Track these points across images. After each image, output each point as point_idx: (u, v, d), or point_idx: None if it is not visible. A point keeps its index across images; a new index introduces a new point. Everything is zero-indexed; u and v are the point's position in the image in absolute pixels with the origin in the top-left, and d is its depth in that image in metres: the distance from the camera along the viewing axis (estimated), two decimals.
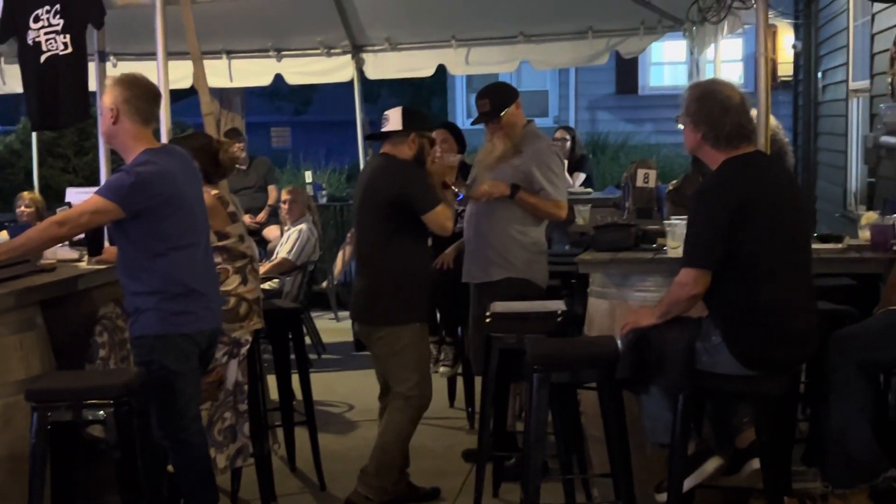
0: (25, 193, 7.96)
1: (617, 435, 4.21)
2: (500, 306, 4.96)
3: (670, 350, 3.95)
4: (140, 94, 4.14)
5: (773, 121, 5.29)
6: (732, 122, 3.98)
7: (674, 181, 6.64)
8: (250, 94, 14.10)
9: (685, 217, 4.22)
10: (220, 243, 4.66)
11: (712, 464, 4.17)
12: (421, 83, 20.98)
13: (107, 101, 4.13)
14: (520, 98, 5.39)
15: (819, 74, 11.01)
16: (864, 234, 4.95)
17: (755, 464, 4.13)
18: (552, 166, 5.32)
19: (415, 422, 4.98)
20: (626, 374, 4.06)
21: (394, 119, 4.95)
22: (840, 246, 4.92)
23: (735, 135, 3.99)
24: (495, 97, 5.34)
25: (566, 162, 9.01)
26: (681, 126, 4.14)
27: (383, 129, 4.98)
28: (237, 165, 9.18)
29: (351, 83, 9.54)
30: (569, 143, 9.39)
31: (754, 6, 5.09)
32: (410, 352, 4.91)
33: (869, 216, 5.13)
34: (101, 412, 3.98)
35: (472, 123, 5.54)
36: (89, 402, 3.97)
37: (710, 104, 4.01)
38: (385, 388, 5.06)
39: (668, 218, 5.20)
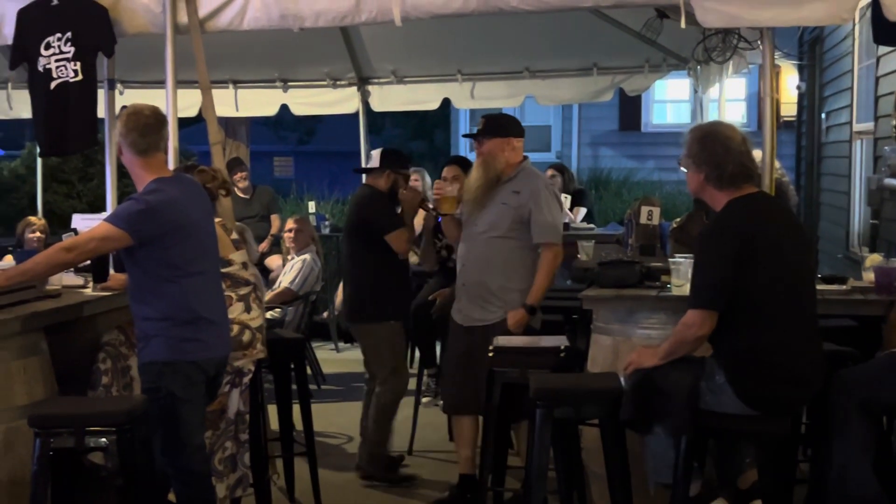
0: (34, 218, 7.95)
1: (619, 472, 4.20)
2: (503, 340, 4.96)
3: (675, 390, 3.95)
4: (133, 128, 4.18)
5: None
6: (735, 162, 4.00)
7: (677, 219, 6.65)
8: (254, 124, 14.15)
9: (689, 255, 4.23)
10: (224, 270, 4.67)
11: None
12: (425, 115, 21.09)
13: (114, 135, 4.21)
14: (520, 138, 5.37)
15: (823, 115, 11.06)
16: (868, 276, 4.96)
17: None
18: (544, 208, 5.23)
19: (396, 403, 5.91)
20: (630, 415, 4.05)
21: (375, 158, 6.05)
22: (844, 287, 4.93)
23: (738, 175, 4.01)
24: (494, 122, 5.39)
25: (568, 197, 9.15)
26: (683, 169, 4.16)
27: (365, 166, 6.29)
28: (240, 194, 9.24)
29: (356, 114, 9.58)
30: (559, 180, 9.43)
31: (760, 47, 5.12)
32: (386, 345, 5.85)
33: (873, 258, 5.14)
34: (104, 439, 3.98)
35: (463, 136, 5.64)
36: (92, 428, 3.97)
37: (712, 145, 4.04)
38: (371, 376, 5.95)
39: (672, 256, 5.21)
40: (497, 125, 5.36)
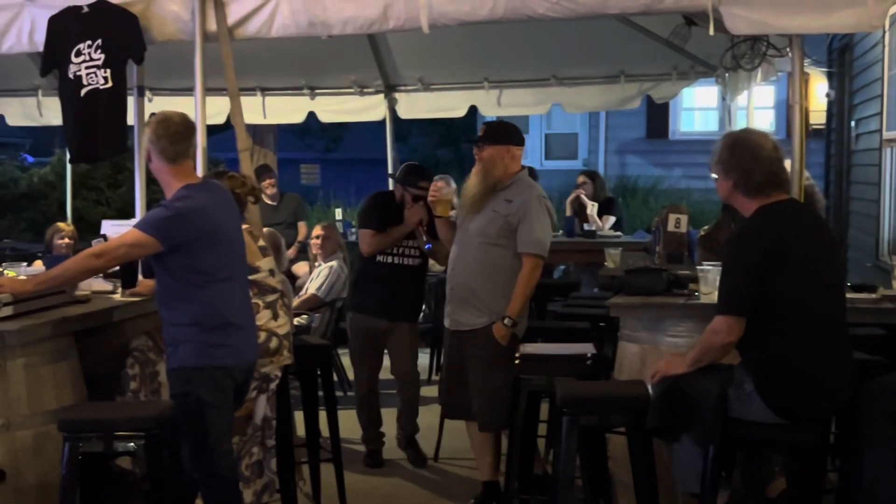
0: (63, 225, 8.00)
1: (646, 481, 4.19)
2: (529, 348, 4.95)
3: (703, 399, 3.93)
4: (163, 135, 4.21)
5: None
6: (763, 169, 3.98)
7: (705, 226, 6.61)
8: (281, 131, 14.20)
9: (717, 263, 4.21)
10: (251, 277, 4.68)
11: None
12: (451, 123, 21.07)
13: (144, 142, 4.23)
14: (520, 147, 5.37)
15: (852, 123, 10.98)
16: None
17: None
18: (534, 219, 5.21)
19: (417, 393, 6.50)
20: (657, 423, 4.04)
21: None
22: (874, 296, 4.89)
23: (766, 182, 3.99)
24: (495, 129, 5.42)
25: (595, 205, 9.13)
26: (714, 175, 4.15)
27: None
28: (267, 202, 9.28)
29: (382, 122, 9.60)
30: (590, 187, 9.42)
31: (789, 54, 5.10)
32: (352, 334, 6.49)
33: None
34: (132, 444, 4.00)
35: (463, 141, 5.62)
36: (120, 433, 4.00)
37: (741, 152, 4.03)
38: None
39: (700, 263, 5.18)
40: (498, 132, 5.38)
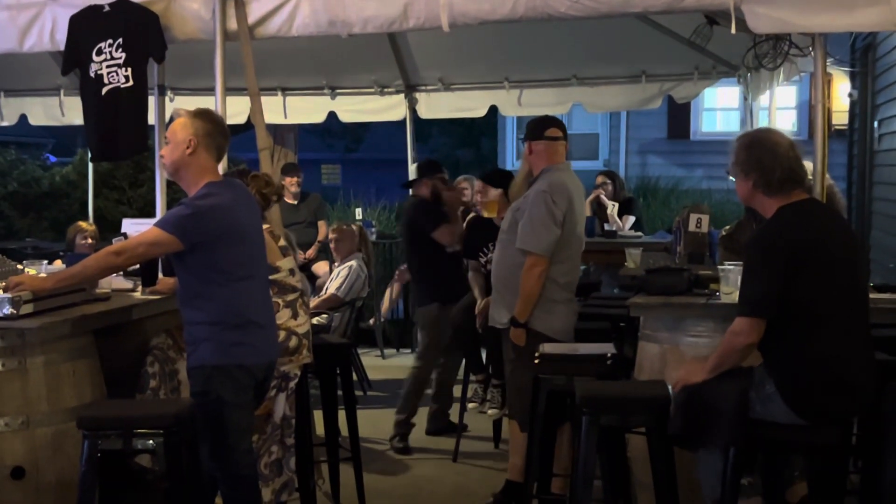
0: (84, 224, 8.03)
1: (666, 481, 4.15)
2: (549, 347, 4.94)
3: (724, 402, 3.88)
4: (218, 131, 4.25)
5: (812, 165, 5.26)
6: (782, 166, 3.95)
7: (727, 227, 6.58)
8: (302, 131, 14.22)
9: (739, 263, 4.18)
10: (271, 277, 4.68)
11: None
12: (472, 123, 21.06)
13: (184, 133, 4.19)
14: (549, 141, 5.32)
15: (875, 124, 10.91)
16: None
17: None
18: (533, 214, 5.16)
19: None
20: (679, 430, 3.99)
21: (412, 172, 7.24)
22: None
23: (786, 180, 3.96)
24: (535, 124, 5.44)
25: (615, 205, 9.11)
26: (732, 178, 4.12)
27: (409, 181, 7.21)
28: (288, 200, 9.29)
29: (403, 122, 9.60)
30: (610, 187, 9.39)
31: (811, 53, 5.06)
32: (429, 325, 6.82)
33: None
34: (151, 441, 4.01)
35: (521, 139, 5.76)
36: (140, 430, 4.00)
37: (758, 151, 4.01)
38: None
39: (721, 263, 5.15)
40: (537, 127, 5.39)
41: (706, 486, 4.14)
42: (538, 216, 5.14)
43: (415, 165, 7.26)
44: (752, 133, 4.28)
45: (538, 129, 5.40)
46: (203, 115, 4.27)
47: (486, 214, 6.14)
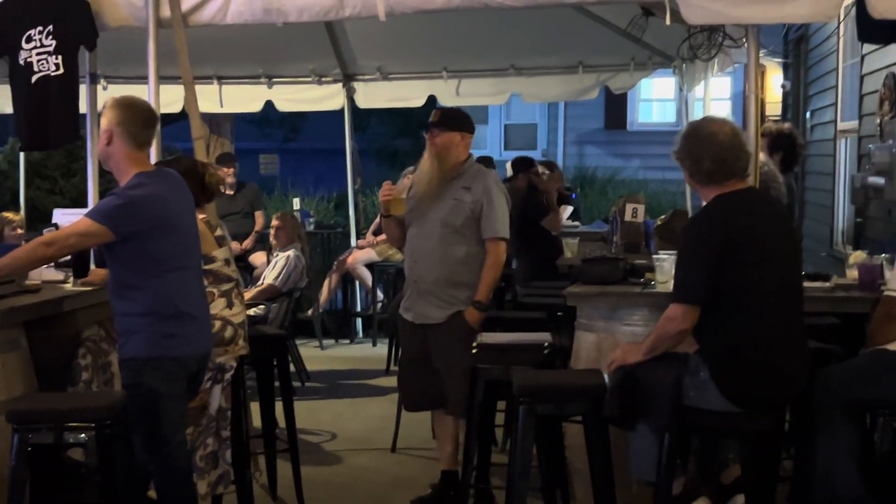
0: (10, 214, 7.91)
1: (602, 469, 4.19)
2: (487, 337, 4.95)
3: (658, 387, 3.94)
4: (135, 118, 4.14)
5: (762, 156, 5.32)
6: (712, 158, 4.00)
7: (662, 216, 6.65)
8: (239, 121, 14.10)
9: (673, 252, 4.22)
10: (206, 266, 4.63)
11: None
12: (410, 113, 20.99)
13: (103, 123, 4.13)
14: (470, 136, 5.33)
15: (807, 114, 11.09)
16: (852, 274, 4.97)
17: (740, 500, 4.12)
18: (496, 203, 5.20)
19: None
20: (614, 411, 4.04)
21: (508, 169, 8.06)
22: (828, 285, 4.93)
23: (715, 171, 4.01)
24: (449, 115, 5.39)
25: (555, 195, 9.16)
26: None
27: (507, 177, 7.88)
28: (225, 190, 9.20)
29: (341, 111, 9.56)
30: (546, 177, 9.43)
31: (745, 45, 5.11)
32: None
33: (857, 255, 5.15)
34: (83, 435, 3.95)
35: (424, 132, 5.43)
36: (71, 424, 3.94)
37: (692, 141, 4.08)
38: None
39: (657, 253, 5.20)
40: (453, 118, 5.34)
41: (634, 465, 4.20)
42: (503, 205, 5.26)
43: (509, 163, 7.96)
44: (694, 122, 4.34)
45: (469, 121, 5.39)
46: (119, 104, 4.17)
47: (392, 212, 5.48)
